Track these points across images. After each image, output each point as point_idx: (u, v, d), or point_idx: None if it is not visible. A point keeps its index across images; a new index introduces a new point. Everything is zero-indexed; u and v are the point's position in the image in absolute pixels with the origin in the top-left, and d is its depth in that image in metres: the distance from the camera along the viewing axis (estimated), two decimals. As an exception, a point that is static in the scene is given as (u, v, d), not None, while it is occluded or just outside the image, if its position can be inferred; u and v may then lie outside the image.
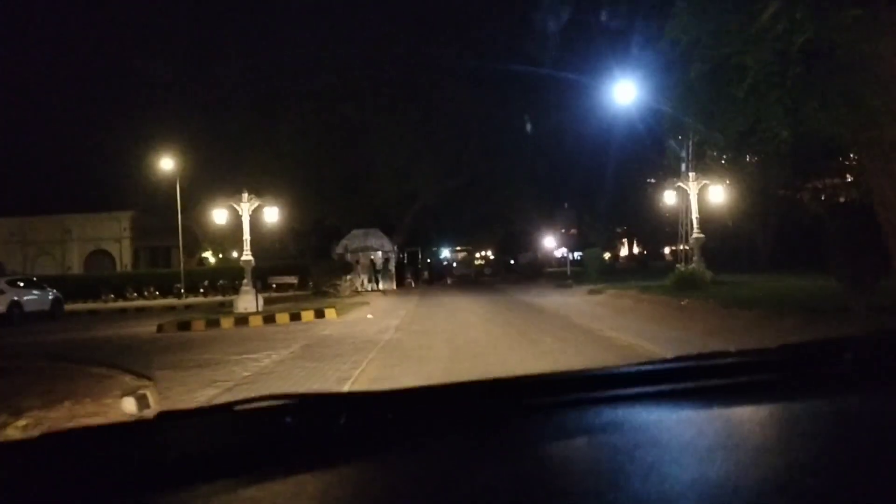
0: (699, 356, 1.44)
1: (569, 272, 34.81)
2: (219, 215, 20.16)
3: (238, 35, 38.93)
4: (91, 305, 35.04)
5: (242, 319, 16.98)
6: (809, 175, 28.49)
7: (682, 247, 22.69)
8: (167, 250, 47.98)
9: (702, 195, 20.11)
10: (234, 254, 49.22)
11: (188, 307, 28.12)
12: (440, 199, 36.82)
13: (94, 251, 50.53)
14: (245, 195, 19.61)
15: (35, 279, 26.87)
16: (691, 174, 20.02)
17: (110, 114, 45.02)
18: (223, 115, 35.80)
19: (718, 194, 19.97)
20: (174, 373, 9.17)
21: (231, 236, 46.93)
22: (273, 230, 46.99)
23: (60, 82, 51.32)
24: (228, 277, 36.13)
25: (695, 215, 19.79)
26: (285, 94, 33.29)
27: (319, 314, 17.77)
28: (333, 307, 18.74)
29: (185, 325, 16.48)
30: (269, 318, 17.12)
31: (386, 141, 32.41)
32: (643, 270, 35.32)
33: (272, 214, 19.94)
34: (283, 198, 35.10)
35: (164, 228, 41.91)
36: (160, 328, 16.33)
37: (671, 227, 35.75)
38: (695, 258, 19.71)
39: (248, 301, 18.72)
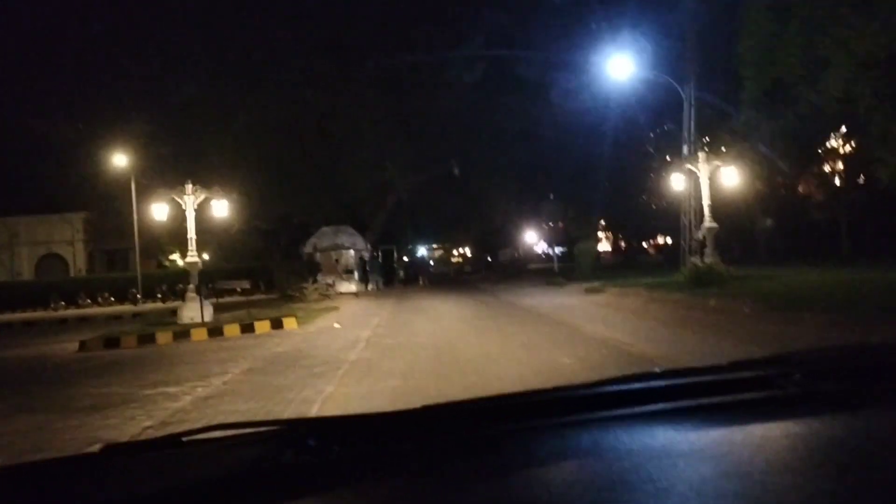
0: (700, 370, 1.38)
1: (556, 268, 32.36)
2: (158, 210, 17.33)
3: (193, 19, 35.74)
4: (33, 314, 32.12)
5: (184, 333, 14.22)
6: (815, 158, 26.36)
7: (689, 239, 20.29)
8: (125, 253, 44.75)
9: (701, 182, 17.66)
10: (206, 255, 46.55)
11: (137, 315, 25.23)
12: (415, 193, 34.02)
13: (46, 255, 47.10)
14: (189, 187, 16.80)
15: None
16: (701, 154, 17.59)
17: (59, 109, 41.93)
18: (179, 107, 32.84)
19: (732, 177, 17.56)
20: (51, 419, 6.50)
21: (200, 237, 44.18)
22: (236, 229, 44.23)
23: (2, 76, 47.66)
24: (210, 279, 33.26)
25: (706, 202, 17.38)
26: (245, 80, 30.36)
27: (277, 324, 15.05)
28: (294, 315, 16.04)
29: (112, 342, 13.70)
30: (215, 331, 14.37)
31: (356, 129, 29.58)
32: (633, 266, 32.90)
33: (221, 208, 17.14)
34: (245, 193, 32.38)
35: (121, 230, 38.79)
36: (83, 346, 13.53)
37: (661, 219, 33.60)
38: (707, 250, 17.29)
39: (193, 310, 15.93)
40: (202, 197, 16.85)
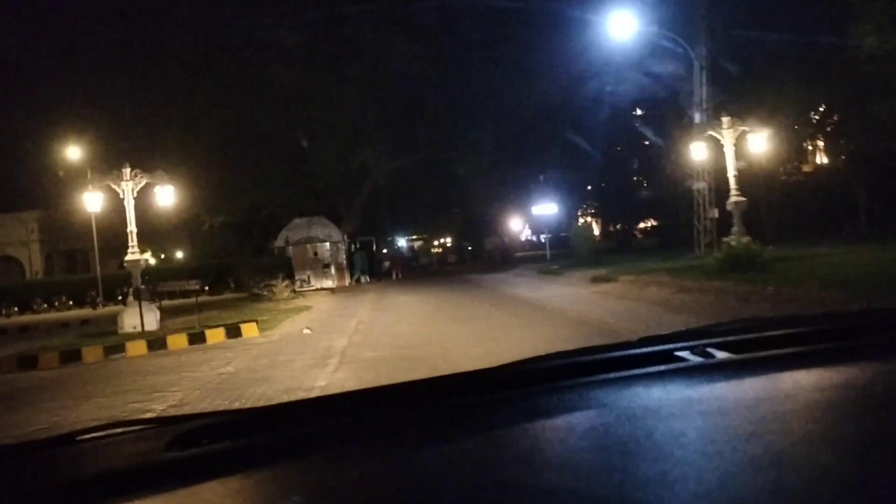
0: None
1: (548, 255, 29.98)
2: (91, 200, 14.60)
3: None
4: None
5: (117, 347, 11.61)
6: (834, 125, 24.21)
7: (703, 217, 17.97)
8: (85, 253, 41.68)
9: (726, 150, 15.30)
10: (179, 253, 43.70)
11: (86, 322, 22.47)
12: (393, 179, 31.28)
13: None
14: (127, 171, 14.11)
15: None
16: (725, 118, 15.23)
17: (5, 100, 38.82)
18: (135, 91, 30.01)
19: (760, 144, 15.23)
20: None
21: (173, 233, 41.43)
22: (207, 225, 41.47)
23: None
24: (156, 281, 30.51)
25: (732, 172, 15.05)
26: (204, 59, 27.53)
27: (233, 332, 12.47)
28: (255, 320, 13.47)
29: (29, 362, 11.07)
30: (157, 343, 11.78)
31: (327, 109, 26.85)
32: (630, 251, 30.53)
33: (166, 195, 14.44)
34: (205, 182, 29.62)
35: (80, 229, 35.80)
36: (-11, 368, 10.90)
37: (654, 200, 31.32)
38: (735, 228, 14.97)
39: (134, 316, 13.31)
40: (143, 182, 14.18)
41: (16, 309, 33.09)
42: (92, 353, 11.29)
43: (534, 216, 40.43)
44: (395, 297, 20.25)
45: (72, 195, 33.43)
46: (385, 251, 42.08)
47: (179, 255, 43.96)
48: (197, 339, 12.04)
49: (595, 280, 16.83)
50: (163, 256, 42.94)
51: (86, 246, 37.69)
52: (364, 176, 30.74)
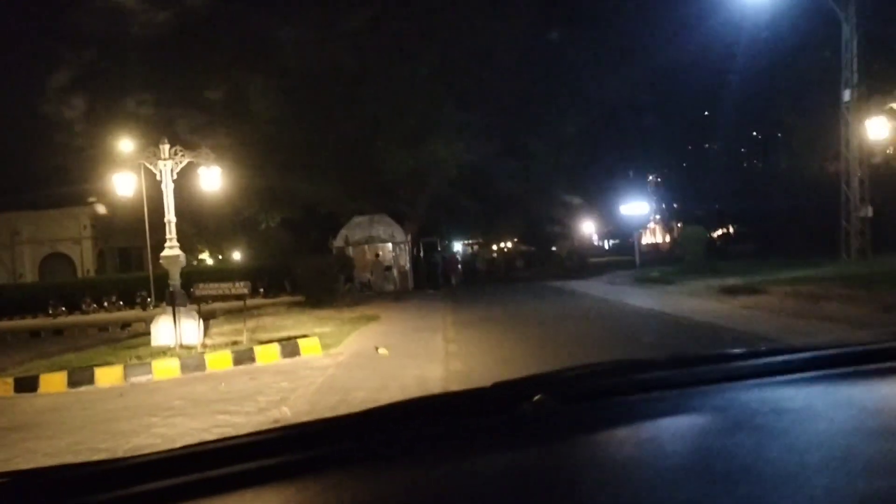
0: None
1: (637, 261, 26.62)
2: (122, 183, 12.10)
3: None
4: (32, 322, 27.58)
5: (143, 367, 8.98)
6: None
7: (858, 214, 14.56)
8: (140, 251, 40.06)
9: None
10: (237, 255, 41.85)
11: (126, 326, 20.26)
12: (456, 177, 28.26)
13: (50, 255, 42.61)
14: (165, 147, 11.55)
15: None
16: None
17: (60, 95, 37.49)
18: (189, 80, 27.95)
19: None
20: None
21: (229, 233, 39.62)
22: (264, 224, 39.38)
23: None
24: (212, 281, 28.40)
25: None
26: (260, 42, 25.14)
27: (291, 349, 9.74)
28: (317, 335, 10.74)
29: (27, 384, 8.53)
30: (193, 362, 9.13)
31: (394, 94, 24.09)
32: (735, 257, 26.16)
33: (211, 178, 11.81)
34: (266, 181, 27.28)
35: (135, 225, 33.95)
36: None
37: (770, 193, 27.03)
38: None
39: (170, 326, 10.70)
40: (184, 162, 11.61)
41: (63, 308, 31.47)
42: (108, 374, 8.69)
43: (619, 217, 36.72)
44: (473, 306, 17.34)
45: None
46: (435, 254, 39.19)
47: (237, 256, 42.16)
48: (244, 358, 9.35)
49: (728, 291, 13.54)
50: (220, 258, 41.26)
51: (138, 243, 36.02)
52: (430, 171, 27.88)
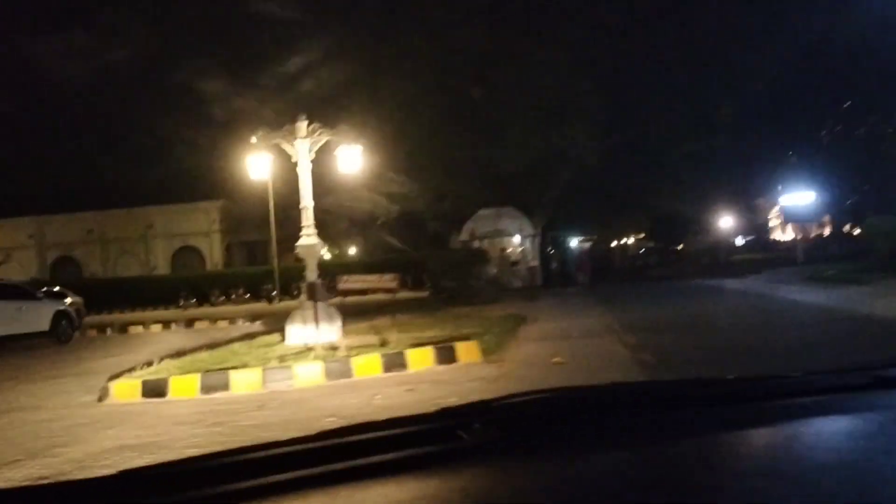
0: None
1: (801, 257, 23.72)
2: (257, 165, 11.07)
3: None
4: (164, 313, 27.99)
5: (282, 372, 7.77)
6: None
7: None
8: (265, 245, 40.51)
9: None
10: (353, 249, 41.52)
11: (255, 320, 19.66)
12: (600, 163, 26.12)
13: (182, 248, 43.87)
14: (303, 125, 10.40)
15: (19, 284, 19.03)
16: None
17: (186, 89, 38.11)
18: (312, 61, 27.25)
19: None
20: None
21: (342, 225, 39.20)
22: (381, 220, 38.64)
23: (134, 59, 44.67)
24: (337, 275, 27.87)
25: None
26: (383, 19, 23.99)
27: (445, 353, 8.31)
28: (469, 335, 9.28)
29: (156, 389, 7.49)
30: (337, 366, 7.84)
31: (526, 77, 22.39)
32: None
33: (351, 158, 10.57)
34: (391, 170, 26.19)
35: (261, 219, 34.12)
36: (102, 395, 7.44)
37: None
38: None
39: (304, 324, 9.54)
40: (323, 140, 10.43)
41: (193, 301, 31.97)
42: (245, 380, 7.52)
43: (753, 211, 33.57)
44: (629, 306, 15.43)
45: (254, 184, 31.70)
46: (569, 250, 37.01)
47: (352, 250, 41.81)
48: (394, 363, 7.99)
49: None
50: (337, 252, 40.60)
51: (264, 237, 36.21)
52: (564, 160, 25.98)
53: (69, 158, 40.03)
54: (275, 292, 30.88)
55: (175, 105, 31.08)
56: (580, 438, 1.16)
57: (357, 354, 8.16)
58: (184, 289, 32.97)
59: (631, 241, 65.75)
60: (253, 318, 20.19)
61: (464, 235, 28.40)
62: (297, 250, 10.62)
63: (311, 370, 7.73)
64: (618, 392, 1.47)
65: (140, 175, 39.11)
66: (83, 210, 41.01)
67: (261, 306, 28.24)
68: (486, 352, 8.54)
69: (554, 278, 28.63)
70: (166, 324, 20.44)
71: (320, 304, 9.42)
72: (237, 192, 35.47)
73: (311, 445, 1.15)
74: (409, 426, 1.21)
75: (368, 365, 7.93)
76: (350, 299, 16.54)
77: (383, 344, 8.76)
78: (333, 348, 8.68)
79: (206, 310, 28.96)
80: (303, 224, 10.43)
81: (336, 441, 1.16)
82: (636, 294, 19.39)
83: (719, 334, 9.57)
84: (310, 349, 8.82)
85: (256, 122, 23.85)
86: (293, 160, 10.60)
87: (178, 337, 15.53)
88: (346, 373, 7.79)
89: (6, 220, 41.93)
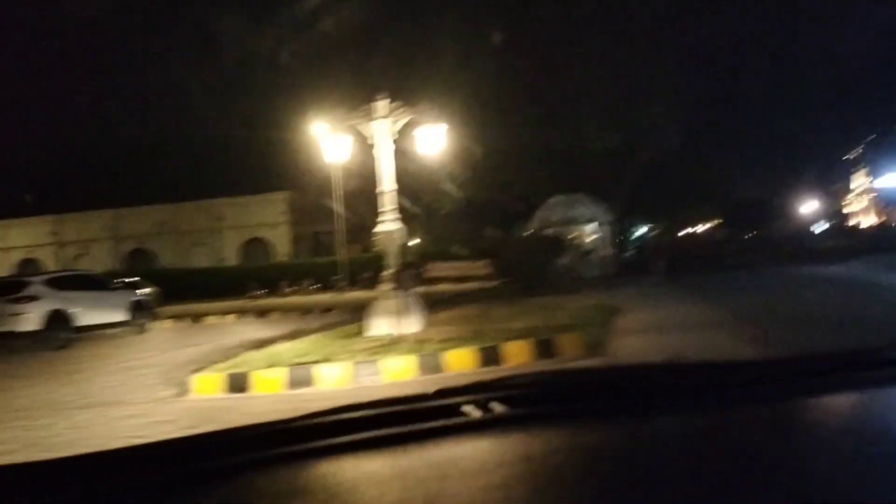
0: None
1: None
2: (333, 147, 10.55)
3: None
4: (232, 304, 28.11)
5: (369, 366, 7.20)
6: None
7: None
8: (331, 236, 40.50)
9: None
10: (417, 239, 40.98)
11: (327, 310, 19.35)
12: (681, 147, 24.83)
13: (251, 239, 44.28)
14: (383, 104, 9.82)
15: (98, 275, 19.13)
16: None
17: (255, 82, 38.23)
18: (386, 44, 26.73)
19: None
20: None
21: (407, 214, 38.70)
22: (446, 208, 38.00)
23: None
24: (422, 260, 27.57)
25: None
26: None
27: (544, 347, 7.61)
28: (569, 326, 8.55)
29: (239, 383, 7.03)
30: (427, 360, 7.23)
31: (604, 58, 21.38)
32: None
33: (434, 139, 9.95)
34: (464, 158, 25.41)
35: (329, 210, 33.91)
36: (184, 389, 7.01)
37: None
38: None
39: (388, 315, 8.98)
40: (405, 119, 9.83)
41: (262, 291, 32.06)
42: (333, 374, 6.99)
43: (878, 190, 31.29)
44: (724, 296, 14.36)
45: (321, 174, 31.54)
46: (650, 238, 35.75)
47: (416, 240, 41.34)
48: (489, 357, 7.34)
49: None
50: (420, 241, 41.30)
51: (332, 228, 36.09)
52: (640, 144, 24.82)
53: (142, 153, 40.95)
54: (344, 283, 30.71)
55: (245, 93, 31.02)
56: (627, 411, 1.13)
57: (449, 347, 7.54)
58: (252, 280, 33.12)
59: (702, 228, 63.55)
60: (324, 308, 19.88)
61: (535, 223, 27.55)
62: (376, 237, 10.06)
63: (402, 364, 7.14)
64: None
65: (209, 167, 39.64)
66: (156, 203, 41.83)
67: (330, 297, 28.03)
68: (589, 345, 7.79)
69: (629, 267, 27.54)
70: (239, 314, 20.34)
71: (406, 294, 8.84)
72: (304, 183, 35.48)
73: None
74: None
75: (461, 358, 7.30)
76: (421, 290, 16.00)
77: (476, 336, 8.11)
78: (422, 340, 8.08)
79: (276, 300, 28.94)
80: (382, 209, 9.87)
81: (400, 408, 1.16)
82: (726, 283, 18.23)
83: (868, 329, 8.42)
84: (395, 341, 8.24)
85: (327, 108, 23.56)
86: (369, 142, 10.04)
87: (252, 328, 15.25)
88: (438, 367, 7.18)
89: (83, 214, 43.11)
